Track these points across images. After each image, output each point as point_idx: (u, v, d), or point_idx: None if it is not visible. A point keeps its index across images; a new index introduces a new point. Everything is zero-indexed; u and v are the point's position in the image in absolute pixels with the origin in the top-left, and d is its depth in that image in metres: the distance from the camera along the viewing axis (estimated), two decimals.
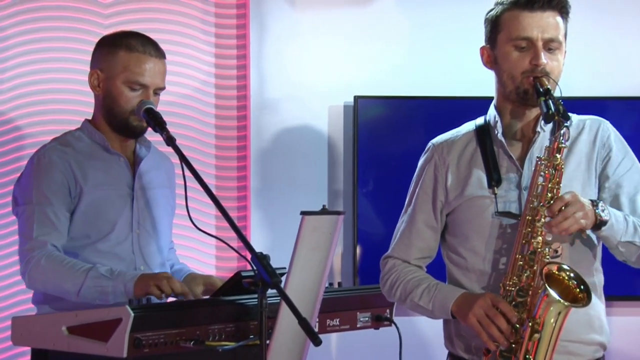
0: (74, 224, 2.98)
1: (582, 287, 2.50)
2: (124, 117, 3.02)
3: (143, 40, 3.06)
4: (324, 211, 2.65)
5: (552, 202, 2.52)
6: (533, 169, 2.59)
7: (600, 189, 2.69)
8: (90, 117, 3.12)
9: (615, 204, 2.67)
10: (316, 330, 2.62)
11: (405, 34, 4.21)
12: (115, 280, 2.84)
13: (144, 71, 3.00)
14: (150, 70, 3.02)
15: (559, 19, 2.63)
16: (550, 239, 2.55)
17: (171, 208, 3.22)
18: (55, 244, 2.92)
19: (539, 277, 2.51)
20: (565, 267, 2.52)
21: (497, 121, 2.70)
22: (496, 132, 2.69)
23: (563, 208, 2.49)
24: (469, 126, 2.79)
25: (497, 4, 2.69)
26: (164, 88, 3.08)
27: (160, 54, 3.06)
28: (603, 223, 2.55)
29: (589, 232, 2.62)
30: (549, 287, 2.46)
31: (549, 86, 2.57)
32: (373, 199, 4.11)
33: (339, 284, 3.18)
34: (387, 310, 3.11)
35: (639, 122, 4.09)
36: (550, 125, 2.63)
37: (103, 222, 3.00)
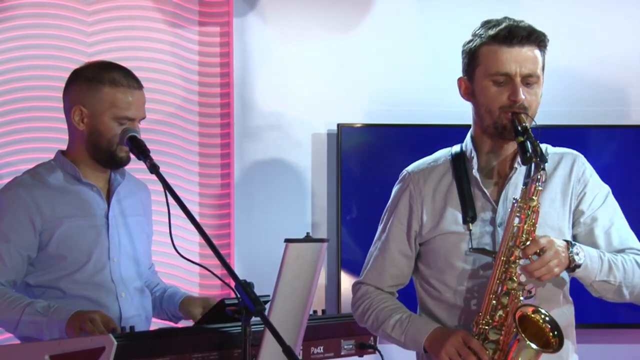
0: (48, 257, 2.97)
1: (555, 332, 2.49)
2: (111, 150, 3.00)
3: (125, 73, 3.03)
4: (307, 239, 2.66)
5: (527, 243, 2.51)
6: (509, 209, 2.57)
7: (574, 224, 2.68)
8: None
9: (591, 237, 2.66)
10: (300, 358, 2.61)
11: (388, 62, 4.23)
12: (50, 318, 2.84)
13: (130, 105, 2.98)
14: (136, 103, 3.00)
15: (537, 52, 2.60)
16: (524, 280, 2.54)
17: (146, 235, 3.20)
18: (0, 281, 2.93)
19: (511, 320, 2.49)
20: (541, 310, 2.51)
21: (473, 156, 2.68)
22: (472, 167, 2.67)
23: (538, 251, 2.49)
24: (445, 154, 2.76)
25: (475, 35, 2.65)
26: (145, 117, 3.07)
27: (139, 84, 3.05)
28: (577, 266, 2.54)
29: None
30: (523, 329, 2.46)
31: (526, 123, 2.54)
32: (357, 227, 4.11)
33: (323, 311, 3.18)
34: (371, 338, 3.11)
35: (617, 150, 4.12)
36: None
37: (77, 253, 2.99)
